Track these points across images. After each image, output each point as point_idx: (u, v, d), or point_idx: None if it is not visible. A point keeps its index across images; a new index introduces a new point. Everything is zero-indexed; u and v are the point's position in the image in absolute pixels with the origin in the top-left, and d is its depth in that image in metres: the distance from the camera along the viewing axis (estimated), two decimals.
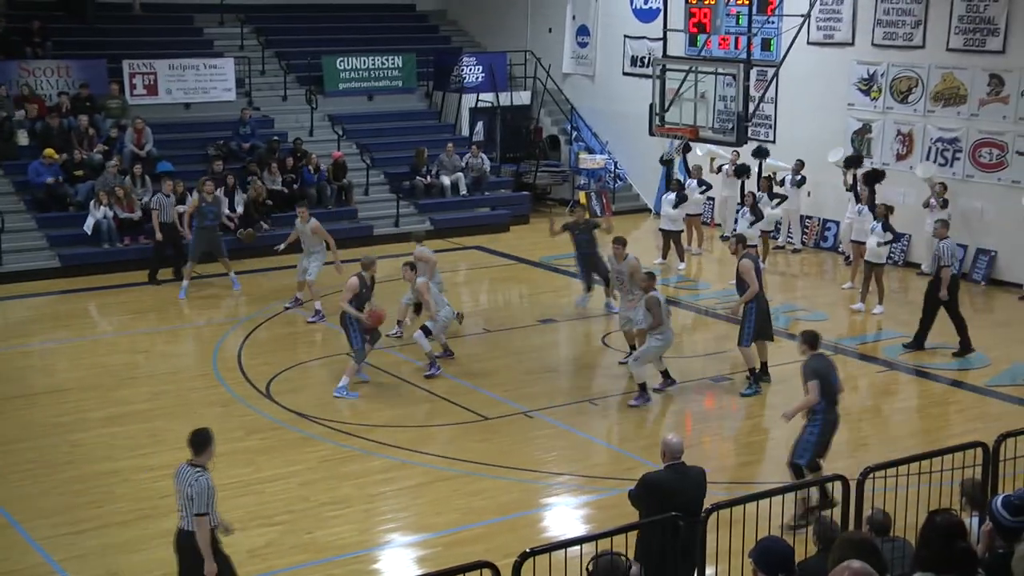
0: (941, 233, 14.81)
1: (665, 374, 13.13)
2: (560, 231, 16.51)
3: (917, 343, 14.81)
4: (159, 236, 17.85)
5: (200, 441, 7.68)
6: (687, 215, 19.56)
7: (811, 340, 10.03)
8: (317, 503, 10.22)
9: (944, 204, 17.89)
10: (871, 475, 7.14)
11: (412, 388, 13.31)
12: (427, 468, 11.10)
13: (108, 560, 9.23)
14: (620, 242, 13.96)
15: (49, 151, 19.18)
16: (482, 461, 11.19)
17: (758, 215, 17.96)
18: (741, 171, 19.88)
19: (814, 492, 9.34)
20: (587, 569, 5.95)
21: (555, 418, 12.35)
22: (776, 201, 19.05)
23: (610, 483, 10.73)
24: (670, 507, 7.13)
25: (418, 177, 22.17)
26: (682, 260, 19.24)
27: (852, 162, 18.81)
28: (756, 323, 13.11)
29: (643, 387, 12.74)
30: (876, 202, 17.50)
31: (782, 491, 7.56)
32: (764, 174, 19.75)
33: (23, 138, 20.01)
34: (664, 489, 7.59)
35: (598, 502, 10.44)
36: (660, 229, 19.59)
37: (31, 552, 9.36)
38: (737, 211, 21.06)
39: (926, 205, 18.16)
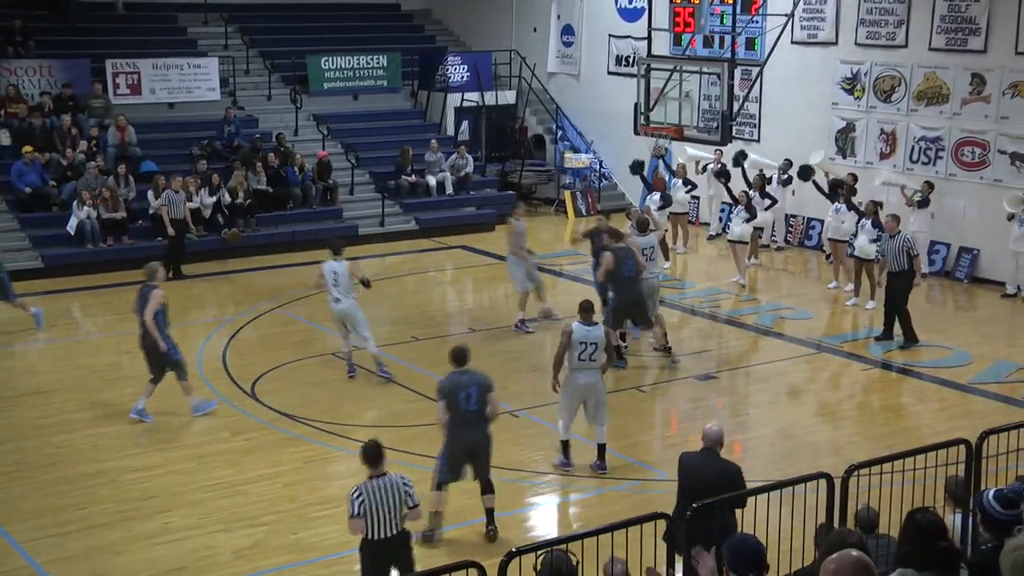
0: (892, 227, 14.78)
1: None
2: (582, 238, 15.62)
3: (909, 339, 14.77)
4: (171, 232, 18.26)
5: (376, 454, 7.79)
6: (672, 214, 19.59)
7: (455, 356, 9.52)
8: (303, 503, 10.21)
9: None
10: (855, 473, 7.16)
11: (397, 388, 13.30)
12: (413, 468, 11.03)
13: (92, 562, 9.20)
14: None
15: (27, 148, 19.10)
16: None
17: (753, 213, 17.99)
18: (721, 174, 19.94)
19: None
20: (535, 568, 6.02)
21: (541, 417, 12.33)
22: (767, 203, 19.06)
23: (596, 482, 10.75)
24: (689, 489, 7.77)
25: (403, 176, 22.16)
26: (667, 259, 19.28)
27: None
28: (619, 308, 13.46)
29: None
30: (857, 200, 17.55)
31: (765, 490, 7.57)
32: (755, 173, 19.72)
33: (5, 138, 19.91)
34: (683, 468, 8.11)
35: (584, 501, 10.46)
36: None
37: (14, 554, 9.31)
38: (723, 210, 21.18)
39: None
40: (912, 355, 14.66)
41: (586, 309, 10.79)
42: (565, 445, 10.94)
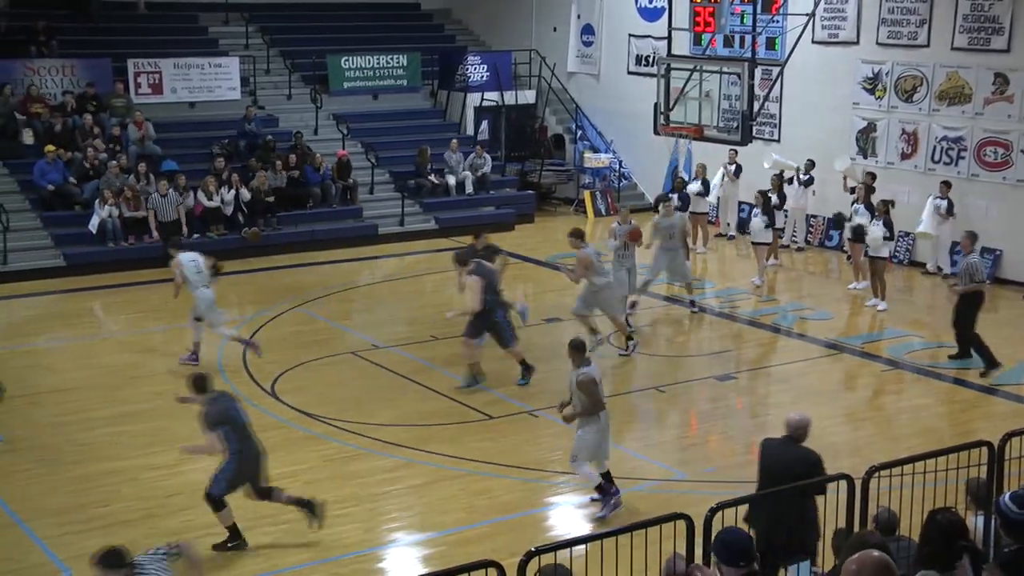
0: (966, 246, 13.89)
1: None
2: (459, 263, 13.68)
3: (963, 353, 14.20)
4: (156, 236, 18.60)
5: (115, 560, 6.84)
6: (692, 214, 19.55)
7: (200, 384, 9.49)
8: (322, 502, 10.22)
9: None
10: (876, 474, 7.13)
11: (417, 387, 13.32)
12: (432, 467, 11.11)
13: None
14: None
15: (50, 147, 19.23)
16: (487, 460, 11.20)
17: (771, 215, 17.91)
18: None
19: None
20: None
21: (559, 417, 12.31)
22: (775, 202, 18.96)
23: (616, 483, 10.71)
24: (768, 474, 7.98)
25: (430, 176, 22.17)
26: (687, 259, 19.20)
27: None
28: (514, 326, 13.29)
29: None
30: (875, 199, 17.44)
31: (778, 492, 7.55)
32: (775, 174, 19.64)
33: (28, 137, 20.06)
34: (764, 454, 8.24)
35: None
36: None
37: (36, 551, 9.38)
38: (742, 211, 21.09)
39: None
40: (933, 356, 14.57)
41: (578, 348, 10.06)
42: (608, 477, 10.16)
